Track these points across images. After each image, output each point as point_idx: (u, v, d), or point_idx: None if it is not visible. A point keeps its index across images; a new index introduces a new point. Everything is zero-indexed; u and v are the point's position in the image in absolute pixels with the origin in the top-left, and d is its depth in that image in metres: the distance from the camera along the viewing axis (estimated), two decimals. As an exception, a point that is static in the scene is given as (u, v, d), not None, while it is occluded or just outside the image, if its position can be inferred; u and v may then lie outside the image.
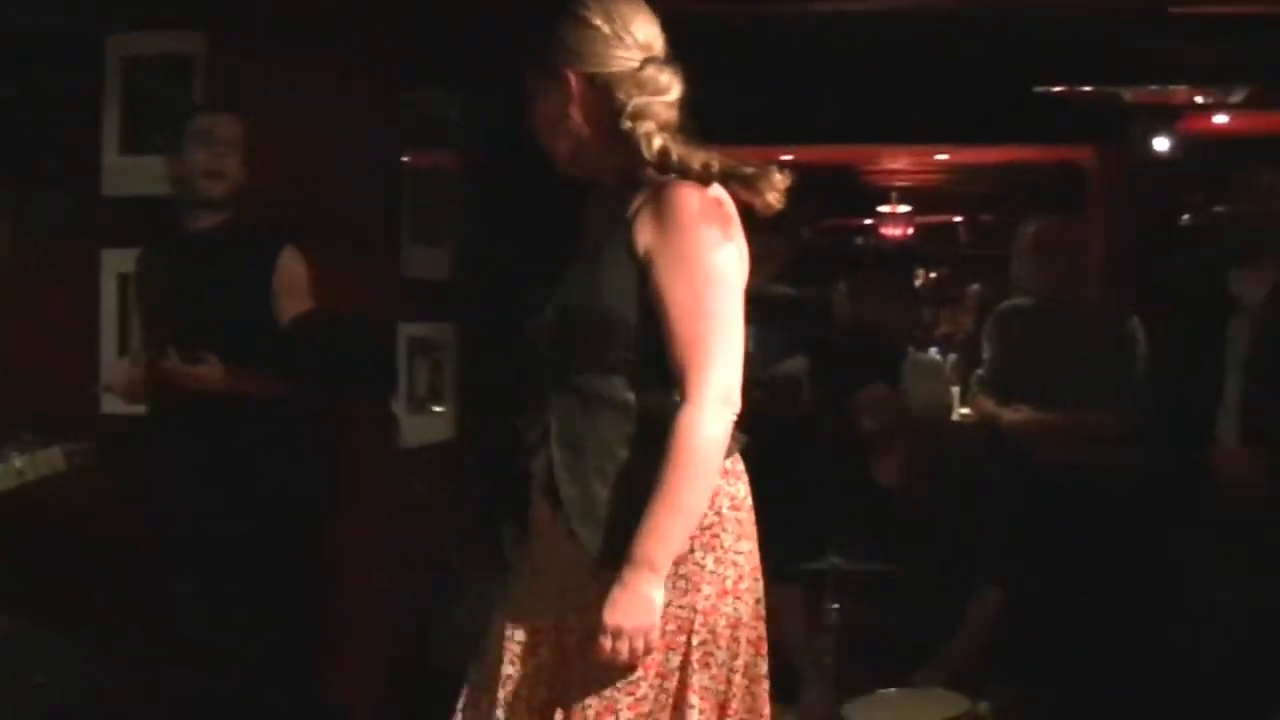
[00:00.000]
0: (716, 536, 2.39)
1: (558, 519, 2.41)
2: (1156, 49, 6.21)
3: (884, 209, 11.57)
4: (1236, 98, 6.42)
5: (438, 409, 4.82)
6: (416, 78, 4.63)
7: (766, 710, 2.53)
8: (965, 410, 5.92)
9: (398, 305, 4.56)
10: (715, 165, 2.36)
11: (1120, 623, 4.58)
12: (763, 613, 2.52)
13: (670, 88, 2.40)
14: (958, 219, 12.73)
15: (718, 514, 2.39)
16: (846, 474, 4.51)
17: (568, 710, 2.41)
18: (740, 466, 2.48)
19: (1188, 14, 6.08)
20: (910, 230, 11.89)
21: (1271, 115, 6.73)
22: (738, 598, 2.43)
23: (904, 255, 9.29)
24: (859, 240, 11.98)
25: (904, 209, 11.57)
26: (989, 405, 5.14)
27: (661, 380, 2.35)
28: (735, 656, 2.43)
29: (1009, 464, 4.89)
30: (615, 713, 2.37)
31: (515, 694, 2.50)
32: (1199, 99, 6.50)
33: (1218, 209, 5.34)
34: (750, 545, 2.47)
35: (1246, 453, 4.36)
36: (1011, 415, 5.00)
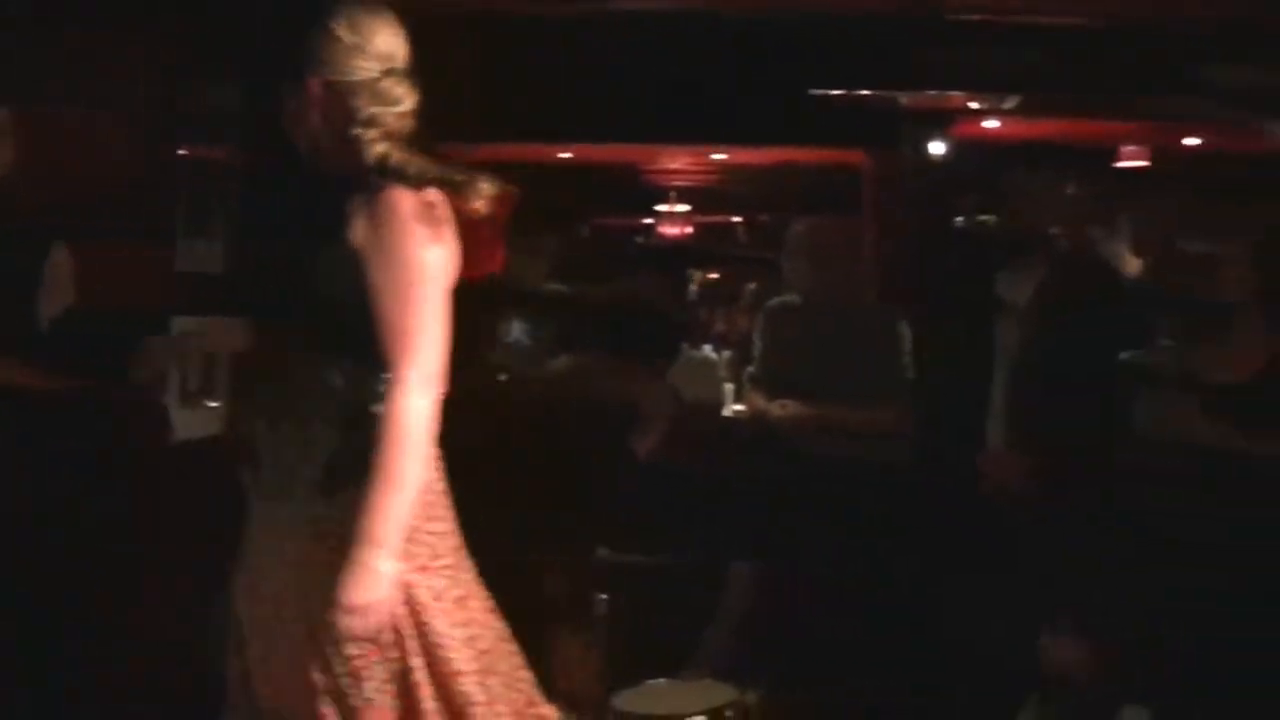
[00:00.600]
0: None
1: (284, 498, 2.65)
2: (931, 54, 6.42)
3: (662, 208, 11.72)
4: (1010, 104, 6.66)
5: (211, 404, 4.77)
6: (192, 70, 4.57)
7: (526, 685, 2.79)
8: (740, 406, 6.06)
9: (171, 299, 4.49)
10: (429, 172, 2.62)
11: (882, 611, 4.74)
12: (477, 590, 2.75)
13: (403, 99, 2.68)
14: (736, 219, 12.95)
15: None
16: (616, 468, 4.58)
17: (317, 681, 2.61)
18: (436, 454, 2.69)
19: (963, 21, 6.30)
20: (689, 230, 12.06)
21: (1042, 122, 7.00)
22: (437, 574, 2.65)
23: (680, 254, 9.44)
24: (637, 239, 12.11)
25: (683, 208, 11.73)
26: (759, 401, 5.26)
27: (374, 365, 2.58)
28: (446, 628, 2.64)
29: (775, 457, 5.02)
30: (360, 683, 2.59)
31: (270, 669, 2.71)
32: (973, 105, 6.73)
33: (987, 214, 5.54)
34: (444, 526, 2.71)
35: (1013, 454, 4.57)
36: (779, 410, 5.11)
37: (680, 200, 11.59)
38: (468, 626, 2.68)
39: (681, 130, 6.80)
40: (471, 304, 5.44)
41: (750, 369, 5.52)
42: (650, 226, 12.19)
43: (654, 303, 5.40)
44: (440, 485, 2.71)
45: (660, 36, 6.03)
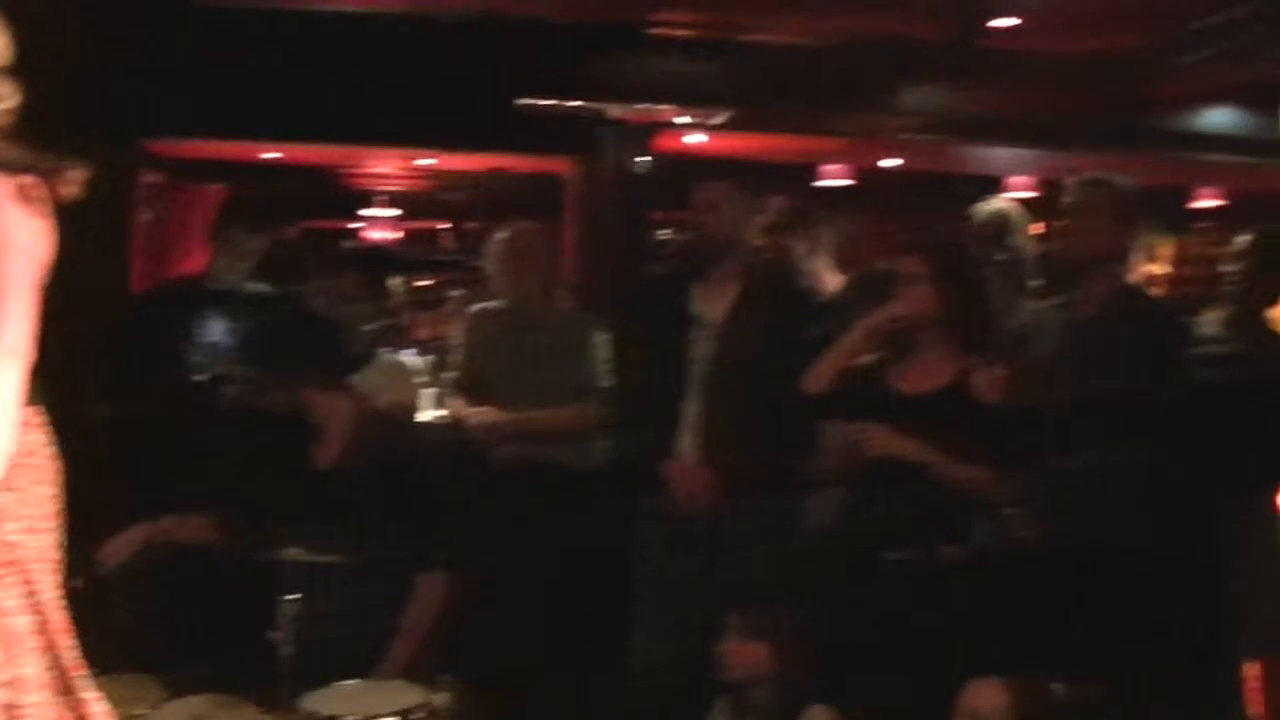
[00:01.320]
0: (16, 478, 2.71)
1: None
2: (637, 68, 6.62)
3: (370, 212, 11.72)
4: (715, 119, 6.89)
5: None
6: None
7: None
8: (441, 411, 6.13)
9: None
10: (25, 159, 2.71)
11: (574, 614, 4.88)
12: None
13: (6, 97, 2.76)
14: (444, 225, 13.01)
15: (16, 458, 2.69)
16: (304, 471, 4.60)
17: None
18: (40, 419, 2.79)
19: (669, 35, 6.52)
20: (396, 234, 12.09)
21: (745, 138, 7.27)
22: (43, 534, 2.76)
23: (382, 258, 9.44)
24: (342, 242, 12.07)
25: (391, 213, 11.76)
26: (458, 406, 5.34)
27: None
28: (49, 588, 2.75)
29: (471, 462, 5.12)
30: None
31: None
32: (679, 119, 6.94)
33: (684, 227, 5.71)
34: (48, 490, 2.80)
35: (701, 464, 4.74)
36: (477, 415, 5.22)
37: (389, 205, 11.63)
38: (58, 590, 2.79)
39: (389, 135, 6.85)
40: (171, 301, 5.40)
41: (451, 374, 5.62)
42: (357, 230, 12.18)
43: (337, 308, 5.44)
44: (49, 450, 2.80)
45: (371, 40, 6.08)
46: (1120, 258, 4.72)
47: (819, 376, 4.43)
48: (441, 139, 6.75)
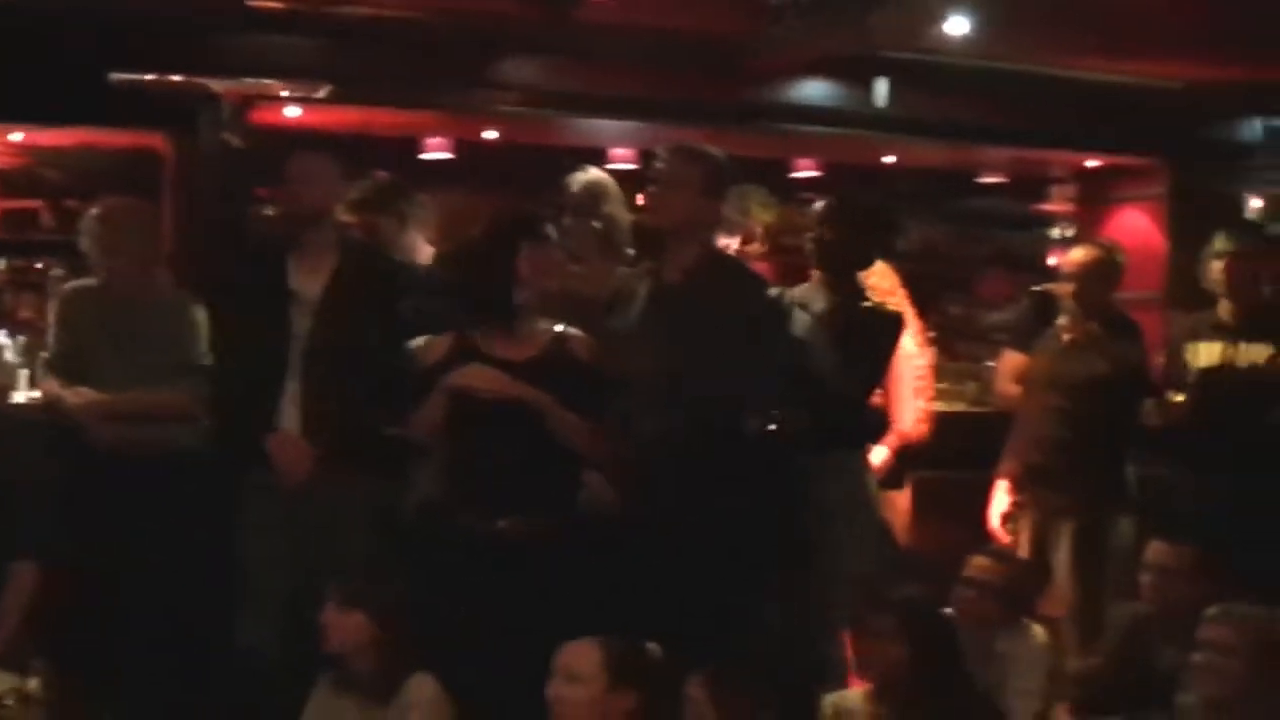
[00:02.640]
0: None
1: None
2: (232, 41, 6.64)
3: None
4: (315, 93, 6.95)
5: None
6: None
7: None
8: (34, 393, 6.08)
9: None
10: None
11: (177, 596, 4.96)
12: None
13: None
14: (39, 203, 12.59)
15: None
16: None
17: None
18: None
19: (264, 9, 6.56)
20: (-11, 213, 11.68)
21: (342, 112, 7.35)
22: None
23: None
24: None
25: (-18, 191, 11.35)
26: (54, 387, 5.29)
27: None
28: None
29: (66, 444, 5.12)
30: None
31: None
32: (283, 93, 6.98)
33: (281, 202, 5.78)
34: None
35: (302, 439, 4.88)
36: (73, 397, 5.17)
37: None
38: None
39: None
40: None
41: (45, 354, 5.55)
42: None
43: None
44: None
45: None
46: (708, 226, 4.96)
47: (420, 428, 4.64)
48: (30, 112, 6.63)
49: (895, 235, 5.87)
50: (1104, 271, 6.19)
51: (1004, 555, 5.47)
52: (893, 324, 5.42)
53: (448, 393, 4.54)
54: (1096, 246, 6.41)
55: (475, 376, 4.53)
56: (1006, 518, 6.22)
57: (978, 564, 5.13)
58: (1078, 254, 6.29)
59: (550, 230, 4.81)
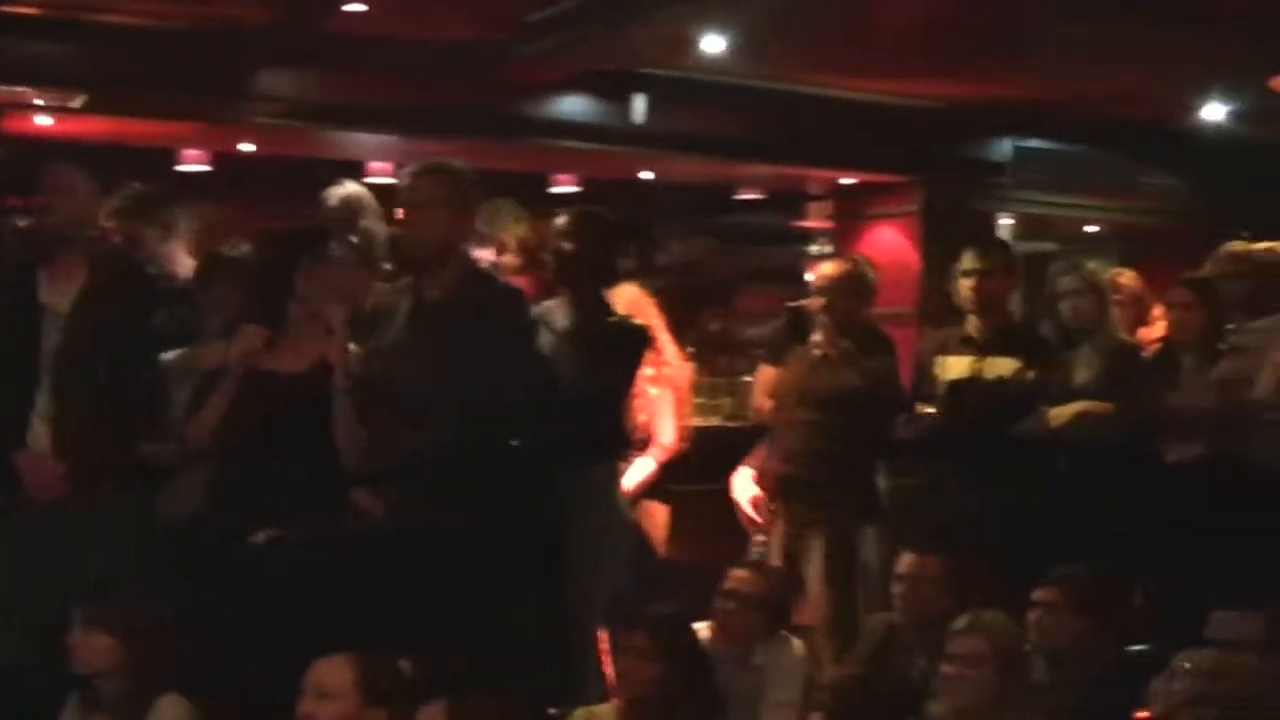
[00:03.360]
0: None
1: None
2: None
3: None
4: (72, 103, 6.83)
5: None
6: None
7: None
8: None
9: None
10: None
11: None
12: None
13: None
14: None
15: None
16: None
17: None
18: None
19: (16, 14, 6.42)
20: None
21: (97, 121, 7.23)
22: None
23: None
24: None
25: None
26: None
27: None
28: None
29: None
30: None
31: None
32: (36, 102, 6.85)
33: (32, 213, 5.67)
34: None
35: (53, 457, 4.78)
36: None
37: None
38: None
39: None
40: None
41: None
42: None
43: None
44: None
45: None
46: (462, 242, 5.04)
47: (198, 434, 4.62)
48: None
49: (638, 249, 5.97)
50: (854, 286, 6.33)
51: (762, 567, 5.62)
52: (637, 338, 5.53)
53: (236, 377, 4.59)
54: (847, 261, 6.59)
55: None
56: (757, 503, 6.36)
57: (737, 576, 5.26)
58: (828, 269, 6.44)
59: (335, 248, 4.84)
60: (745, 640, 5.12)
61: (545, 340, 5.27)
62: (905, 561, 5.30)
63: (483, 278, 5.23)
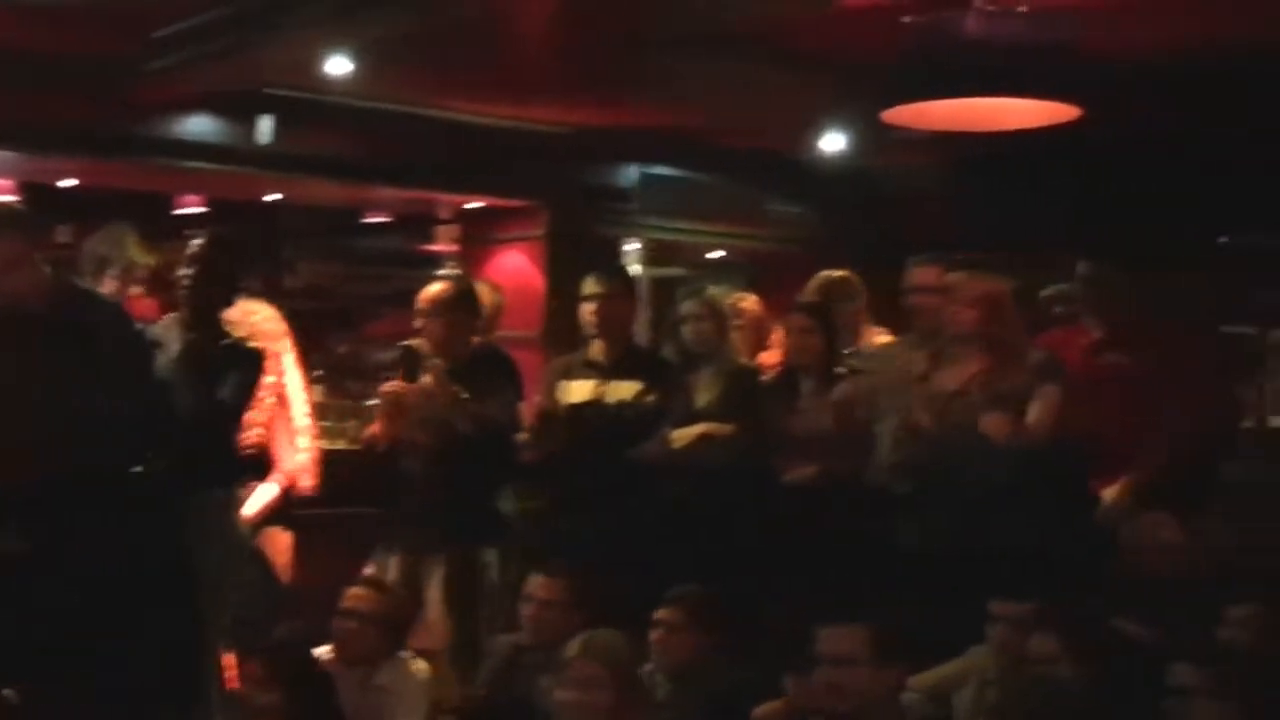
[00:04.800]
0: None
1: None
2: None
3: None
4: None
5: None
6: None
7: None
8: None
9: None
10: None
11: None
12: None
13: None
14: None
15: None
16: None
17: None
18: None
19: None
20: None
21: None
22: None
23: None
24: None
25: None
26: None
27: None
28: None
29: None
30: None
31: None
32: None
33: None
34: None
35: None
36: None
37: None
38: None
39: None
40: None
41: None
42: None
43: None
44: None
45: None
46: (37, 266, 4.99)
47: None
48: None
49: (266, 271, 5.97)
50: (458, 306, 6.32)
51: (380, 584, 5.62)
52: (252, 361, 5.55)
53: None
54: (450, 282, 6.59)
55: None
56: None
57: (354, 594, 5.30)
58: (431, 290, 6.38)
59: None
60: (365, 660, 5.18)
61: (159, 363, 5.24)
62: (532, 583, 5.42)
63: (88, 297, 5.18)
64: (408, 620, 5.55)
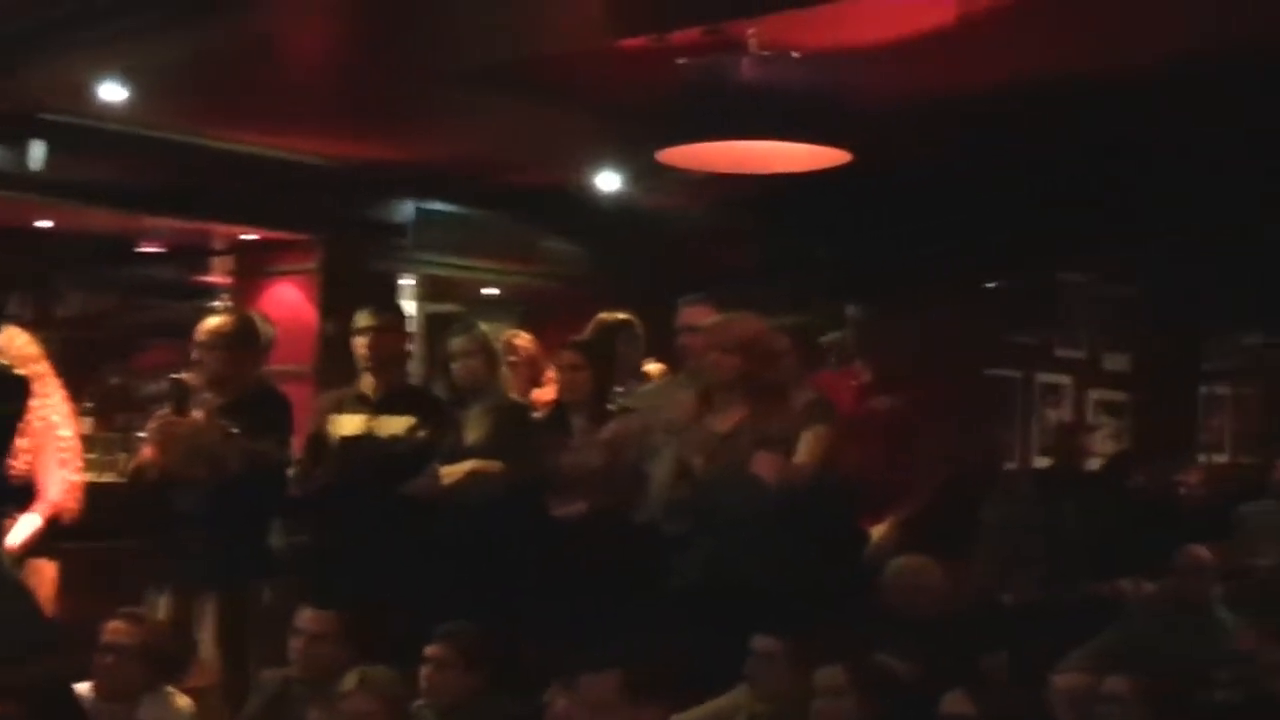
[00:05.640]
0: None
1: None
2: None
3: None
4: None
5: None
6: None
7: None
8: None
9: None
10: None
11: None
12: None
13: None
14: None
15: None
16: None
17: None
18: None
19: None
20: None
21: None
22: None
23: None
24: None
25: None
26: None
27: None
28: None
29: None
30: None
31: None
32: None
33: None
34: None
35: None
36: None
37: None
38: None
39: None
40: None
41: None
42: None
43: None
44: None
45: None
46: None
47: None
48: None
49: (35, 299, 5.88)
50: (236, 341, 6.27)
51: (140, 617, 5.49)
52: (17, 387, 5.46)
53: None
54: (229, 315, 6.59)
55: None
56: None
57: (114, 628, 5.22)
58: (209, 323, 6.33)
59: None
60: (125, 695, 5.10)
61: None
62: (302, 616, 5.41)
63: None
64: (171, 654, 5.44)
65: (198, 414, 6.12)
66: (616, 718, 4.27)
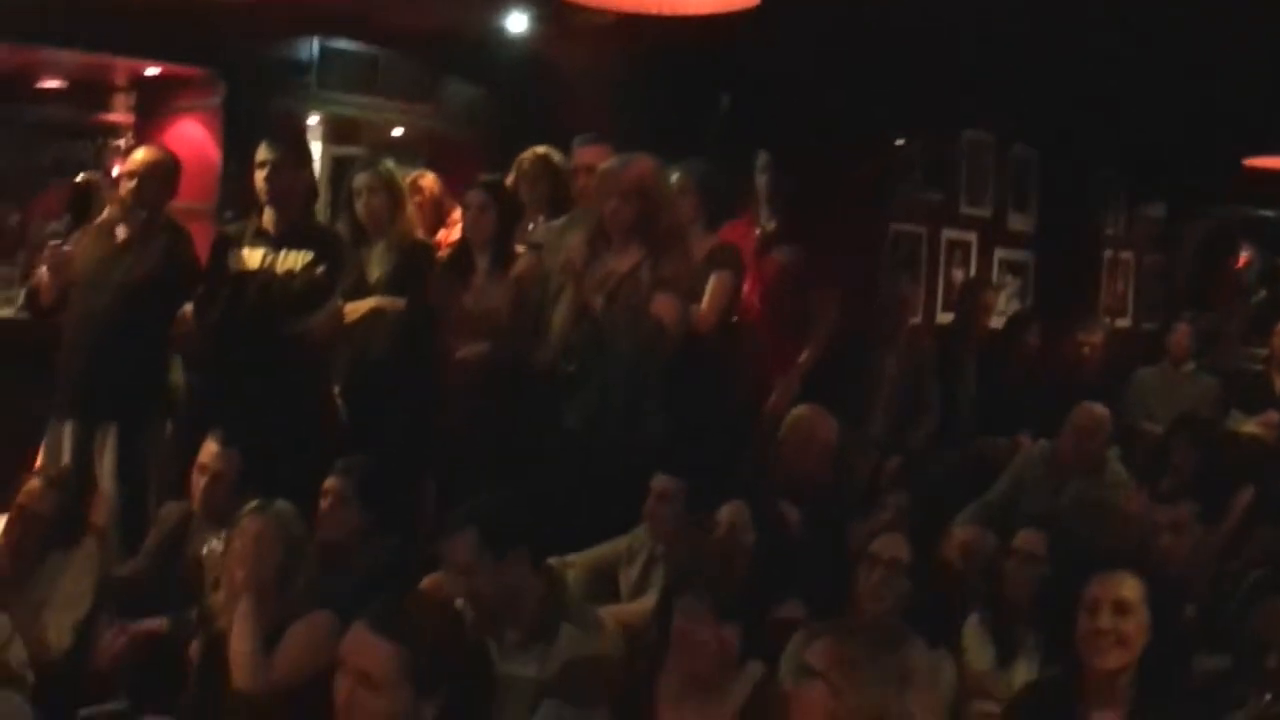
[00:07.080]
0: None
1: None
2: None
3: None
4: None
5: None
6: None
7: None
8: None
9: None
10: None
11: None
12: None
13: None
14: None
15: None
16: None
17: None
18: None
19: None
20: None
21: None
22: None
23: None
24: None
25: None
26: None
27: None
28: None
29: None
30: None
31: None
32: None
33: None
34: None
35: None
36: None
37: None
38: None
39: None
40: None
41: None
42: None
43: None
44: None
45: None
46: None
47: None
48: None
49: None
50: (165, 174, 6.27)
51: (55, 479, 5.45)
52: None
53: None
54: (160, 150, 6.50)
55: None
56: None
57: (30, 490, 5.22)
58: (142, 154, 6.34)
59: None
60: (34, 554, 5.16)
61: None
62: (204, 452, 5.39)
63: None
64: (81, 510, 5.42)
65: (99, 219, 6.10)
66: (483, 577, 4.23)
